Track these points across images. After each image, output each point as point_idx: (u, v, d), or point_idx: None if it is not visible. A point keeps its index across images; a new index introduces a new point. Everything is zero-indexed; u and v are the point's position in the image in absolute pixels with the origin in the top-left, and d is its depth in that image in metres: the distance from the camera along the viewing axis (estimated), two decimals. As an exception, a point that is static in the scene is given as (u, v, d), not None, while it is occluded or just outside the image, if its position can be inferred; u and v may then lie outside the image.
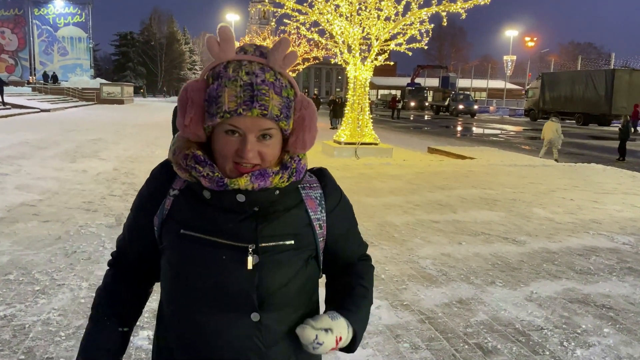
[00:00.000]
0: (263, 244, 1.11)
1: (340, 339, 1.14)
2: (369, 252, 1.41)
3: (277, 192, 1.12)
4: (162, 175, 1.21)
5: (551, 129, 14.32)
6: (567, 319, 3.88)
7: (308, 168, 1.23)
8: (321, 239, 1.21)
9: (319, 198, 1.21)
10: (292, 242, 1.15)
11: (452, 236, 5.97)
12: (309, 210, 1.19)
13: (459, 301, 4.14)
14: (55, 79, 43.31)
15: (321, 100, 37.89)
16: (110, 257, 1.34)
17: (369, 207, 7.19)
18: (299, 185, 1.19)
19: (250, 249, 1.10)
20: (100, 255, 4.90)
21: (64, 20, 50.31)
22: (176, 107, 1.23)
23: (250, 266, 1.10)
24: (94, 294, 4.36)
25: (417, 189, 8.87)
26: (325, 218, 1.21)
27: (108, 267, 1.33)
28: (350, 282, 1.27)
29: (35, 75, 47.63)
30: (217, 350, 1.12)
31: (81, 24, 50.73)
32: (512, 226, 6.56)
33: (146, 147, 13.98)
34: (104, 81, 46.37)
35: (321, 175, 1.25)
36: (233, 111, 1.04)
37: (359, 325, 1.19)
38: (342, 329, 1.14)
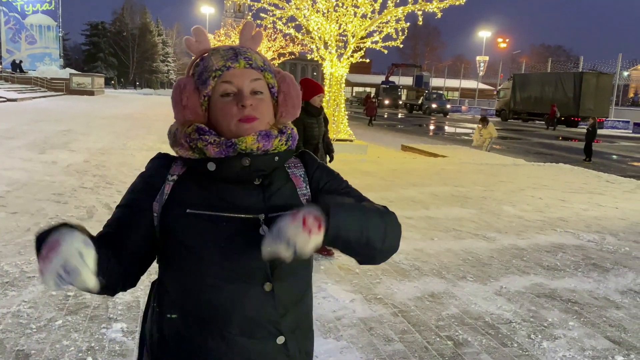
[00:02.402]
0: (271, 215, 1.16)
1: (305, 214, 0.99)
2: None
3: (276, 158, 1.19)
4: (157, 163, 1.24)
5: (493, 128, 16.47)
6: (535, 312, 4.00)
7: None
8: None
9: (302, 175, 1.27)
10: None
11: (424, 232, 6.07)
12: (296, 187, 1.25)
13: (431, 295, 4.22)
14: (20, 67, 41.96)
15: None
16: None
17: (344, 203, 7.25)
18: (285, 165, 1.26)
19: (261, 219, 1.15)
20: (71, 247, 4.82)
21: (32, 8, 48.78)
22: None
23: (262, 234, 1.13)
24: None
25: (390, 185, 8.98)
26: (309, 193, 1.25)
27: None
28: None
29: (1, 63, 46.15)
30: (232, 321, 1.14)
31: (50, 12, 49.28)
32: (483, 223, 6.71)
33: (117, 139, 13.75)
34: (73, 71, 45.22)
35: (302, 155, 1.32)
36: (222, 66, 1.15)
37: (327, 199, 1.10)
38: (300, 208, 1.03)
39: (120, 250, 1.16)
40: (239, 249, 1.13)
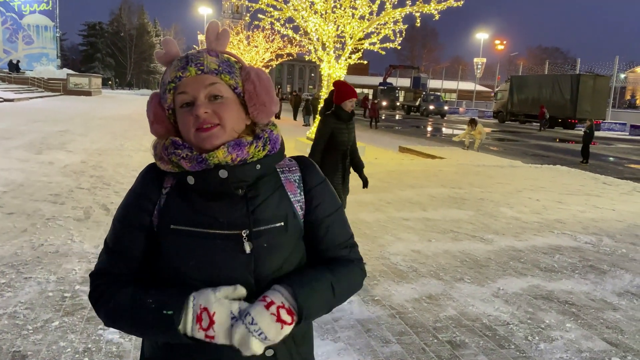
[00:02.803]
0: (256, 229, 1.13)
1: (265, 297, 1.05)
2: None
3: (259, 166, 1.13)
4: (150, 176, 1.19)
5: (482, 127, 17.35)
6: (532, 314, 4.01)
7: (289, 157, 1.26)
8: (302, 220, 1.21)
9: (297, 181, 1.22)
10: (282, 224, 1.16)
11: (422, 233, 6.08)
12: (289, 193, 1.20)
13: (428, 297, 4.22)
14: (17, 67, 41.82)
15: (302, 97, 35.59)
16: (93, 287, 1.18)
17: (341, 204, 7.24)
18: (279, 170, 1.21)
19: (244, 235, 1.12)
20: (68, 248, 4.81)
21: (29, 8, 48.68)
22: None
23: (248, 250, 1.11)
24: (62, 288, 4.28)
25: (388, 187, 8.98)
26: (304, 200, 1.21)
27: (95, 294, 1.17)
28: (309, 267, 1.21)
29: (-2, 63, 46.02)
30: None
31: (48, 12, 49.19)
32: (480, 225, 6.71)
33: (114, 140, 13.73)
34: (71, 72, 45.09)
35: (301, 160, 1.27)
36: (175, 78, 1.11)
37: (291, 280, 1.10)
38: (271, 294, 1.06)
39: (138, 270, 1.18)
40: (222, 266, 1.11)
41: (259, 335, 1.01)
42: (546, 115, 34.03)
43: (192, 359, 1.13)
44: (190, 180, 1.11)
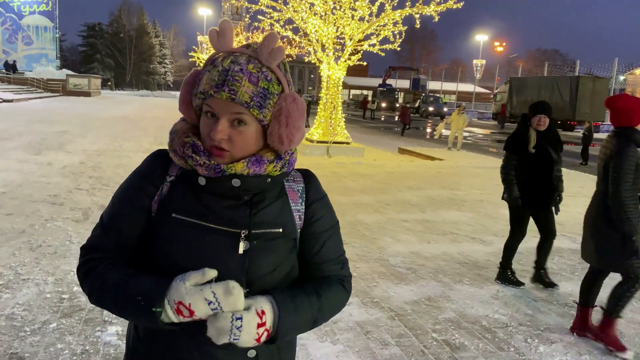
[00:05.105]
0: (255, 231, 1.15)
1: (263, 312, 1.05)
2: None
3: (269, 180, 1.16)
4: (157, 161, 1.21)
5: (466, 119, 17.56)
6: (531, 316, 4.00)
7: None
8: (299, 230, 1.23)
9: (300, 191, 1.24)
10: (280, 230, 1.19)
11: (421, 235, 6.07)
12: (290, 201, 1.22)
13: (427, 299, 4.21)
14: (13, 68, 41.72)
15: (303, 98, 35.10)
16: (83, 260, 1.21)
17: (341, 206, 7.24)
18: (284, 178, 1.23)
19: (242, 235, 1.14)
20: (66, 249, 4.79)
21: (29, 9, 48.67)
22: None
23: (241, 251, 1.13)
24: (60, 289, 4.25)
25: (387, 188, 8.97)
26: (304, 210, 1.24)
27: (84, 268, 1.19)
28: (302, 284, 1.22)
29: (-3, 64, 45.96)
30: (203, 330, 1.11)
31: (47, 13, 49.18)
32: (479, 226, 6.70)
33: (113, 141, 13.71)
34: (70, 72, 45.08)
35: (307, 173, 1.29)
36: (206, 92, 1.09)
37: (284, 306, 1.09)
38: (262, 303, 1.07)
39: (128, 250, 1.19)
40: (216, 261, 1.11)
41: (234, 339, 1.03)
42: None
43: (173, 349, 1.15)
44: (202, 181, 1.13)
